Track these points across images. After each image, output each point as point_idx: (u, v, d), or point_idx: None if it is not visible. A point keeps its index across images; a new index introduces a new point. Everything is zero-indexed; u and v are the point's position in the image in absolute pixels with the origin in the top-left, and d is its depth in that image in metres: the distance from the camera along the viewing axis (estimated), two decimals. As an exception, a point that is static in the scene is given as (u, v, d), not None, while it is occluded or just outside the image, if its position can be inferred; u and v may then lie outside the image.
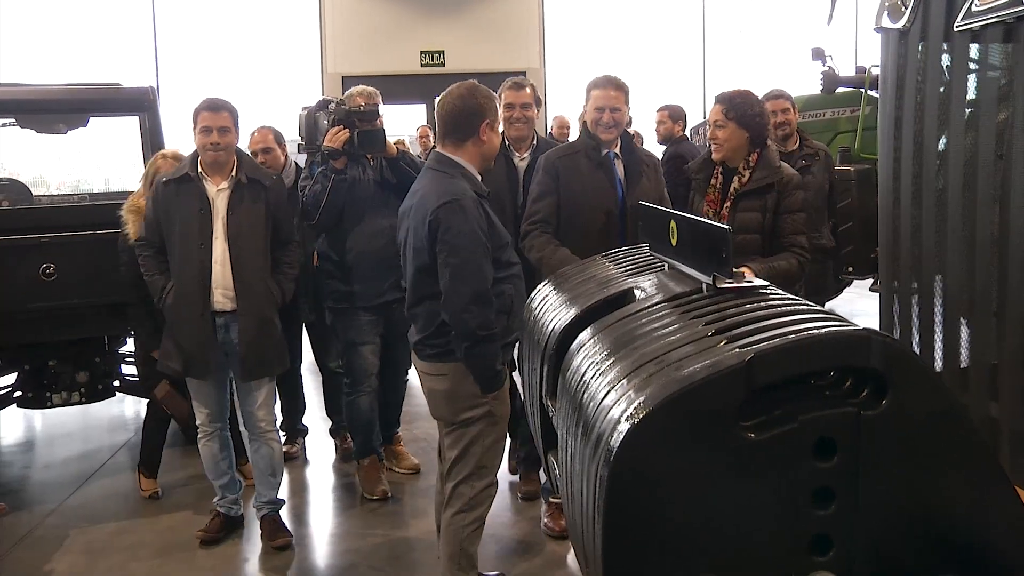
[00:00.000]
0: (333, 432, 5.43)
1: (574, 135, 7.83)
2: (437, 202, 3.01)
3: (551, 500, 4.15)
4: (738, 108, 3.64)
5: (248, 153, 4.48)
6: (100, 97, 6.28)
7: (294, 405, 5.41)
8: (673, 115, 6.81)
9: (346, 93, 4.76)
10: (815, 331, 1.73)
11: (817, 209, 4.94)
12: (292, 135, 4.95)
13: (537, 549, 4.06)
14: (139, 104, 6.05)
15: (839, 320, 1.84)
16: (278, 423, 4.64)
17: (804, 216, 3.66)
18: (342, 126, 4.31)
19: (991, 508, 1.76)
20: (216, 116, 3.93)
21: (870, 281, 7.08)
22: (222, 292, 3.96)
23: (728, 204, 3.69)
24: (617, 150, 3.90)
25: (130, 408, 6.41)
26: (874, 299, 6.57)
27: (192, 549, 4.16)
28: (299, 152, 5.39)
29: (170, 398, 4.43)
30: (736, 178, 3.69)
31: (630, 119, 5.09)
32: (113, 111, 6.59)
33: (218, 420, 4.19)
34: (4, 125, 7.62)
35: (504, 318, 3.14)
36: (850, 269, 7.19)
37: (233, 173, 4.01)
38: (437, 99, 3.28)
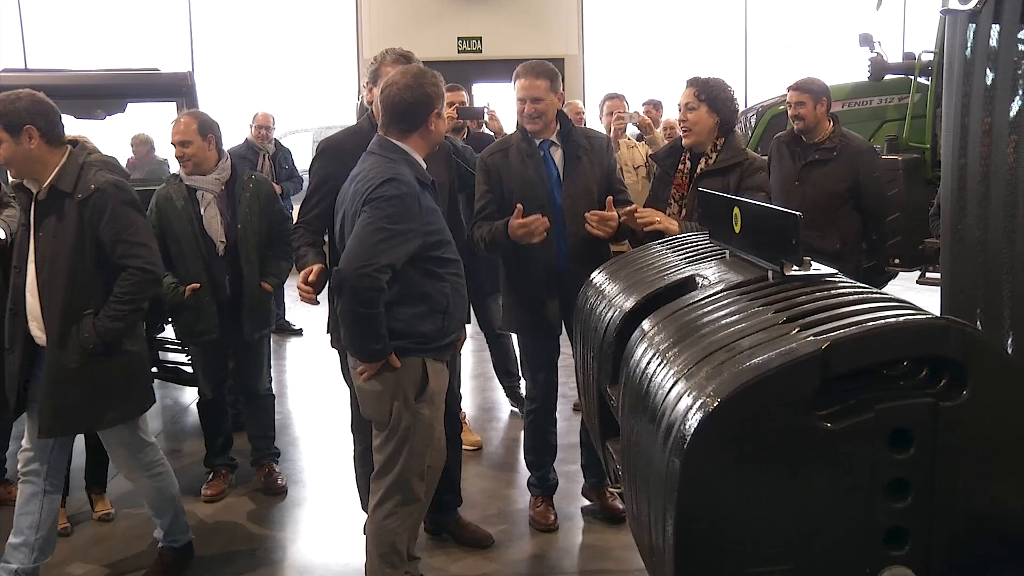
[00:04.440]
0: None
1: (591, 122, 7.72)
2: (378, 180, 2.92)
3: (535, 493, 4.17)
4: (710, 91, 3.66)
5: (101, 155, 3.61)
6: (139, 82, 6.32)
7: (219, 436, 4.75)
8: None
9: None
10: (893, 320, 1.69)
11: (821, 209, 4.65)
12: (333, 121, 4.85)
13: (503, 546, 4.02)
14: (177, 89, 6.08)
15: (914, 309, 1.80)
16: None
17: (764, 196, 3.63)
18: None
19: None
20: None
21: (917, 273, 6.94)
22: (36, 325, 3.33)
23: (691, 186, 3.70)
24: (554, 137, 3.81)
25: (168, 395, 6.46)
26: (922, 292, 6.50)
27: (223, 532, 4.18)
28: None
29: None
30: (703, 160, 3.71)
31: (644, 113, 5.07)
32: (152, 97, 6.64)
33: (37, 461, 3.45)
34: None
35: (439, 318, 3.04)
36: (896, 261, 7.08)
37: (50, 181, 3.27)
38: (382, 84, 3.15)
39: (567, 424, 4.38)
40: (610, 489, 4.12)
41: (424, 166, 3.08)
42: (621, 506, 4.09)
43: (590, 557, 3.90)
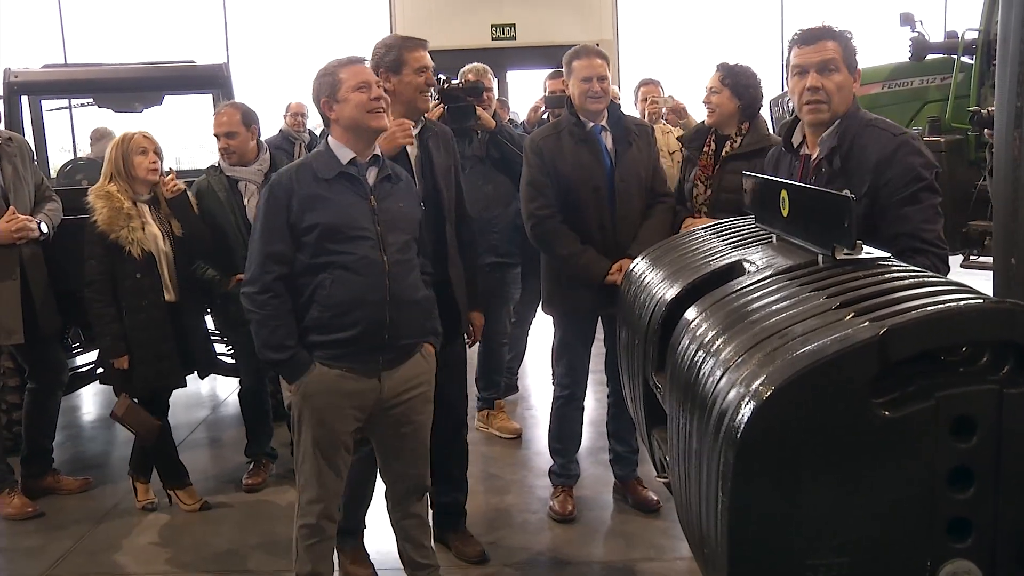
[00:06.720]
0: None
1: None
2: None
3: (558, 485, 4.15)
4: (735, 77, 3.81)
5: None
6: (175, 75, 6.34)
7: (260, 426, 4.81)
8: None
9: (460, 71, 5.01)
10: (953, 303, 1.63)
11: None
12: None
13: (543, 533, 4.00)
14: (213, 81, 6.11)
15: (974, 292, 1.74)
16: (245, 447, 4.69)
17: None
18: (439, 102, 4.36)
19: None
20: None
21: (960, 257, 6.79)
22: None
23: (718, 167, 3.81)
24: (604, 122, 3.83)
25: (206, 386, 6.52)
26: (966, 275, 6.36)
27: (263, 522, 4.18)
28: None
29: (131, 414, 4.10)
30: (728, 143, 3.83)
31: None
32: (188, 89, 6.68)
33: None
34: (83, 105, 7.79)
35: (315, 309, 2.83)
36: (940, 244, 6.91)
37: None
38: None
39: (603, 411, 4.33)
40: (642, 482, 4.09)
41: (342, 156, 2.87)
42: (654, 497, 4.05)
43: (629, 546, 3.85)
